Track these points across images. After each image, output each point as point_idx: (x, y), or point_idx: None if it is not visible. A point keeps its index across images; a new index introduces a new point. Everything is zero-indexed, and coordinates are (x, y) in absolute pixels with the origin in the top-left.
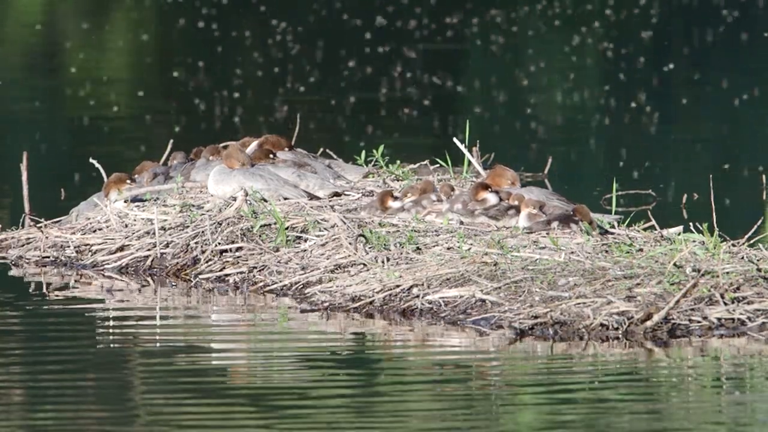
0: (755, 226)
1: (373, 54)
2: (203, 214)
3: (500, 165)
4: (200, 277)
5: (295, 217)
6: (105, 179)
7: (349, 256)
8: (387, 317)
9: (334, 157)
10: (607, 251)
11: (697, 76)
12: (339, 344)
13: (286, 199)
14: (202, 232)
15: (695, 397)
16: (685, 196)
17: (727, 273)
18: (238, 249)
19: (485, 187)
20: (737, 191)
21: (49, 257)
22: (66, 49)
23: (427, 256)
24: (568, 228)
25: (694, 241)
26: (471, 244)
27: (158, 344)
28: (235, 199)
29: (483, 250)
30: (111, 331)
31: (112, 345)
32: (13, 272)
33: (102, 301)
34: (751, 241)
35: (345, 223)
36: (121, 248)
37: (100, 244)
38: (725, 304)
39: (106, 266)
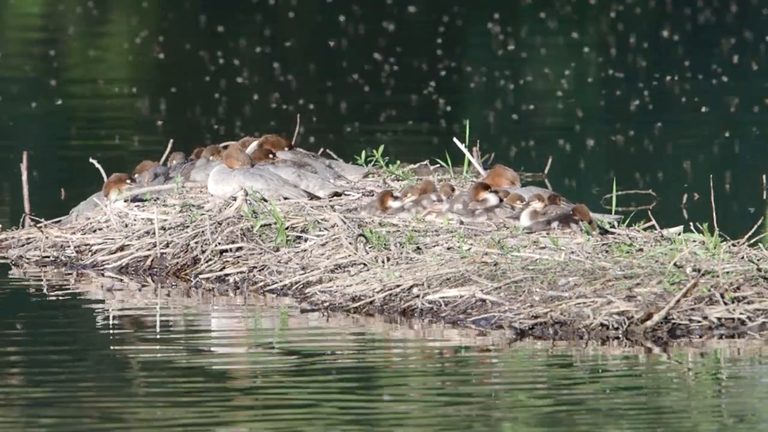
0: (755, 226)
1: (371, 52)
2: (203, 214)
3: (500, 165)
4: (200, 277)
5: (295, 217)
6: (105, 179)
7: (349, 256)
8: (387, 317)
9: (334, 157)
10: (607, 251)
11: (698, 76)
12: (339, 344)
13: (286, 199)
14: (202, 232)
15: (695, 397)
16: (685, 196)
17: (727, 273)
18: (238, 249)
19: (485, 187)
20: (737, 191)
21: (49, 257)
22: (66, 48)
23: (427, 256)
24: (568, 228)
25: (694, 241)
26: (471, 244)
27: (158, 344)
28: (235, 199)
29: (483, 250)
30: (111, 331)
31: (112, 345)
32: (13, 272)
33: (102, 301)
34: (751, 241)
35: (345, 223)
36: (121, 248)
37: (100, 244)
38: (725, 304)
39: (106, 266)
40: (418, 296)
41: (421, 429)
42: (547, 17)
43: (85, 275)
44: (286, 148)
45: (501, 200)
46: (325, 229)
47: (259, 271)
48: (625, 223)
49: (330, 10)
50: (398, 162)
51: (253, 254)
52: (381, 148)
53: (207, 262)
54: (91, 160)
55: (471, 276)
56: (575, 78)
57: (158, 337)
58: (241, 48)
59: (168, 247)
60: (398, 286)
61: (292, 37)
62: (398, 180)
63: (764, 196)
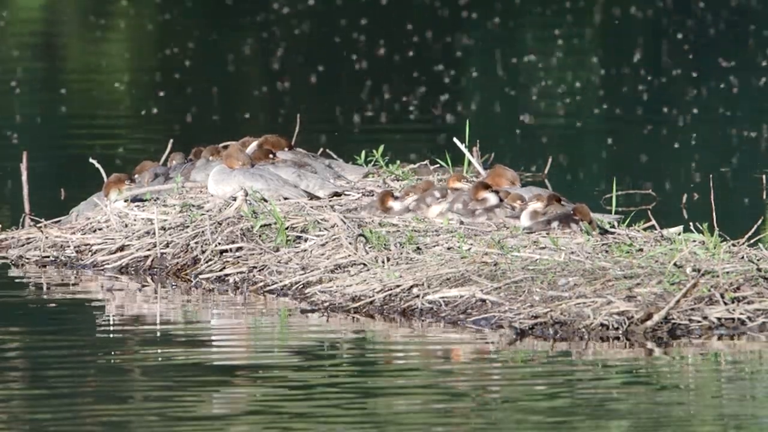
0: (755, 226)
1: (371, 53)
2: (203, 214)
3: (500, 165)
4: (200, 277)
5: (295, 217)
6: (105, 179)
7: (349, 256)
8: (387, 317)
9: (334, 156)
10: (607, 251)
11: (698, 75)
12: (339, 344)
13: (286, 199)
14: (202, 232)
15: (695, 397)
16: (685, 196)
17: (727, 273)
18: (238, 249)
19: (485, 186)
20: (737, 191)
21: (49, 257)
22: (66, 47)
23: (427, 256)
24: (568, 228)
25: (694, 241)
26: (471, 244)
27: (158, 344)
28: (235, 199)
29: (483, 250)
30: (111, 330)
31: (112, 345)
32: (13, 272)
33: (102, 301)
34: (751, 241)
35: (345, 223)
36: (121, 248)
37: (100, 244)
38: (725, 304)
39: (106, 266)
40: (418, 296)
41: (421, 429)
42: (548, 16)
43: (85, 275)
44: (286, 148)
45: (501, 200)
46: (325, 229)
47: (259, 271)
48: (625, 223)
49: (331, 9)
50: (398, 162)
51: (253, 254)
52: (381, 148)
53: (207, 262)
54: (91, 160)
55: (471, 276)
56: (575, 78)
57: (158, 337)
58: (242, 47)
59: (168, 247)
60: (398, 286)
61: (292, 36)
62: (398, 180)
63: (764, 196)
